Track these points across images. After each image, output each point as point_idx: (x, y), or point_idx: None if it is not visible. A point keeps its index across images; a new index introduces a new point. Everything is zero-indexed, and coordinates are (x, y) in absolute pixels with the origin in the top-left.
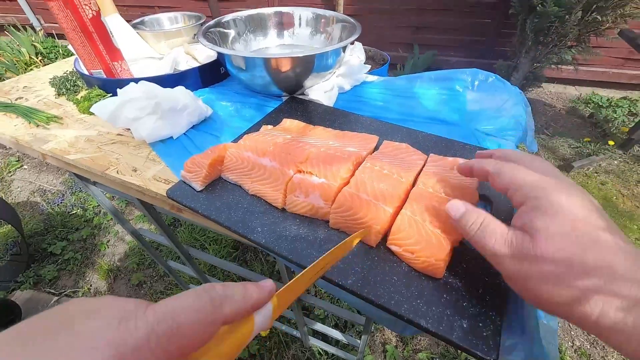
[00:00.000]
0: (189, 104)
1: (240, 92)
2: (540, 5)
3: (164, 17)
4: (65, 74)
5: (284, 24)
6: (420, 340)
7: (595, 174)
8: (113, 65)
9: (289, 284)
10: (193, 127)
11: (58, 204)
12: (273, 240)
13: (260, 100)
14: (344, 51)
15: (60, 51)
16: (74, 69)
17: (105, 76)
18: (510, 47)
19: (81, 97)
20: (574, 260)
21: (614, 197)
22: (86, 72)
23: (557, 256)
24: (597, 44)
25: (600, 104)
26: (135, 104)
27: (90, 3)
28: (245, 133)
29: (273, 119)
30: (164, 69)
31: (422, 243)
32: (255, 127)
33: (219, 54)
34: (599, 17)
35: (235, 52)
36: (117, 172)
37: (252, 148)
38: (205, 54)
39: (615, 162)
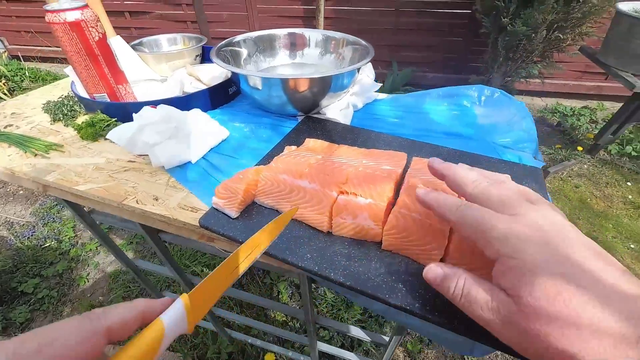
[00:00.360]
0: (207, 126)
1: (251, 112)
2: (510, 25)
3: (163, 39)
4: (60, 99)
5: (294, 44)
6: (427, 354)
7: (569, 178)
8: (117, 88)
9: (203, 282)
10: (211, 150)
11: (28, 237)
12: (326, 267)
13: (275, 120)
14: (358, 71)
15: (27, 74)
16: (70, 93)
17: (109, 100)
18: (481, 63)
19: (82, 122)
20: (569, 318)
21: (588, 199)
22: (87, 96)
23: (551, 317)
24: (559, 59)
25: (565, 113)
26: (154, 129)
27: (97, 26)
28: (268, 155)
29: (294, 139)
30: (172, 91)
31: (481, 262)
32: (278, 148)
33: (234, 73)
34: (560, 35)
35: (255, 73)
36: (137, 201)
37: (287, 170)
38: (209, 74)
39: (585, 166)
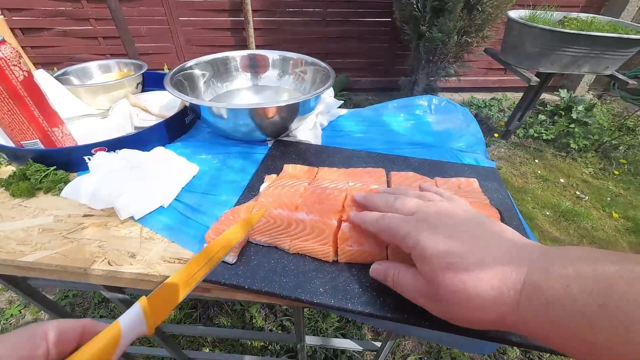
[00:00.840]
0: (175, 165)
1: (215, 141)
2: (428, 32)
3: (93, 66)
4: None
5: (251, 66)
6: (405, 345)
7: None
8: (52, 131)
9: (162, 286)
10: (182, 189)
11: None
12: (342, 298)
13: (244, 148)
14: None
15: None
16: None
17: (43, 147)
18: (407, 65)
19: (10, 176)
20: (468, 287)
21: (509, 178)
22: (11, 145)
23: (455, 290)
24: (469, 59)
25: (479, 105)
26: (117, 177)
27: (19, 63)
28: (249, 187)
29: (270, 166)
30: (122, 128)
31: None
32: (257, 179)
33: (193, 105)
34: (468, 39)
35: (220, 104)
36: (109, 262)
37: (281, 204)
38: (158, 104)
39: (502, 149)
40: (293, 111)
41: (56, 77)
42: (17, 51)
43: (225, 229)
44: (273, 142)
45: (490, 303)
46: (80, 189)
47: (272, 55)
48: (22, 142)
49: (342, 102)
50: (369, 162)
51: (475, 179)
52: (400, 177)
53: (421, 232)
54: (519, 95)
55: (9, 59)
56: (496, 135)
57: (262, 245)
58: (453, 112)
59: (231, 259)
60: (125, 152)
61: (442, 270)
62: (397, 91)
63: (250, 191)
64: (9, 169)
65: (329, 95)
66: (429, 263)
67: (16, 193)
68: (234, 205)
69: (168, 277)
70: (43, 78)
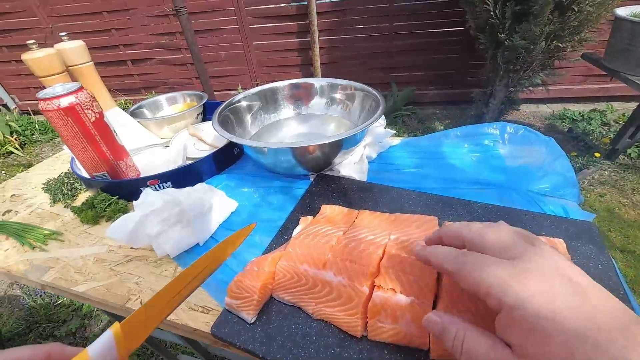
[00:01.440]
0: (214, 202)
1: (259, 174)
2: (507, 40)
3: (162, 99)
4: (60, 176)
5: (297, 96)
6: None
7: (591, 187)
8: (117, 164)
9: (138, 311)
10: (220, 226)
11: (41, 295)
12: None
13: (285, 183)
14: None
15: (37, 127)
16: (70, 170)
17: (110, 178)
18: (481, 76)
19: (82, 204)
20: None
21: (616, 208)
22: (86, 175)
23: None
24: (560, 65)
25: (574, 118)
26: (156, 217)
27: (92, 107)
28: (282, 229)
29: (308, 205)
30: (174, 160)
31: None
32: (292, 220)
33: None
34: (560, 44)
35: (259, 144)
36: (141, 302)
37: (308, 258)
38: (212, 134)
39: (606, 172)
40: (337, 146)
41: (132, 112)
42: (91, 95)
43: (248, 282)
44: (315, 177)
45: None
46: (122, 229)
47: (319, 82)
48: (93, 174)
49: (394, 132)
50: (420, 205)
51: (562, 240)
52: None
53: (533, 288)
54: (632, 105)
55: (83, 104)
56: (597, 154)
57: (286, 304)
58: (534, 144)
59: (250, 317)
60: (165, 192)
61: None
62: (469, 104)
63: (283, 234)
64: (85, 196)
65: (379, 124)
66: (536, 339)
67: (84, 220)
68: (265, 250)
69: (189, 326)
70: (117, 115)
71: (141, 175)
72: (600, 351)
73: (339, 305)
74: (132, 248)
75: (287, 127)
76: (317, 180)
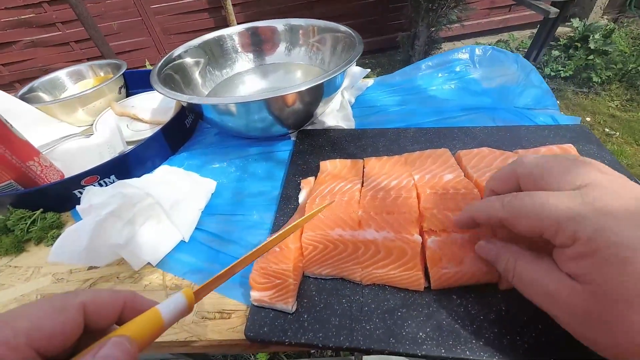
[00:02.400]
0: (189, 187)
1: (226, 144)
2: None
3: (62, 75)
4: None
5: (250, 44)
6: None
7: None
8: (27, 166)
9: (212, 280)
10: (202, 213)
11: None
12: (455, 346)
13: (264, 147)
14: None
15: None
16: None
17: (21, 187)
18: (404, 19)
19: None
20: None
21: None
22: None
23: None
24: (468, 0)
25: None
26: (118, 220)
27: None
28: (283, 198)
29: (302, 166)
30: (110, 147)
31: None
32: (290, 187)
33: (193, 104)
34: None
35: (228, 99)
36: None
37: (338, 221)
38: (149, 108)
39: None
40: (318, 93)
41: (21, 96)
42: None
43: (275, 267)
44: (296, 135)
45: None
46: (72, 245)
47: (276, 25)
48: None
49: (369, 70)
50: (422, 141)
51: (571, 145)
52: (473, 156)
53: (605, 212)
54: (527, 32)
55: None
56: None
57: (325, 279)
58: (504, 62)
59: (290, 306)
60: (120, 185)
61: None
62: (396, 50)
63: (287, 204)
64: None
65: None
66: (622, 270)
67: (0, 251)
68: (272, 227)
69: (212, 339)
70: (3, 101)
71: (67, 176)
72: None
73: (391, 262)
74: (90, 269)
75: (245, 82)
76: (301, 138)
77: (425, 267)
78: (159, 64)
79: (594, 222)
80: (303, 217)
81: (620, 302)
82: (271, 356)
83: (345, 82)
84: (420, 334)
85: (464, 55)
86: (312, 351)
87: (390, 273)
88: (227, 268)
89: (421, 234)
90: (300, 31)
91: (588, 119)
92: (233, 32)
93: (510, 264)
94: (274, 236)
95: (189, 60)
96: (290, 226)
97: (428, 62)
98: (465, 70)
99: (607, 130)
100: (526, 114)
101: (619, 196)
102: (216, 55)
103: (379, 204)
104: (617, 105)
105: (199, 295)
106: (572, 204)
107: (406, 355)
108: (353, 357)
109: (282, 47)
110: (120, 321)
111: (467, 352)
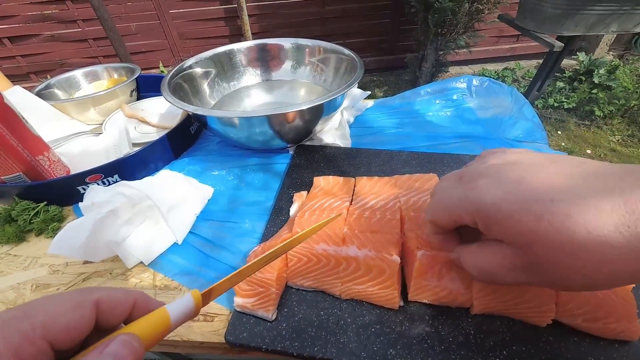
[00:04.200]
0: (187, 192)
1: (228, 152)
2: (437, 2)
3: (79, 75)
4: None
5: (259, 59)
6: None
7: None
8: (36, 160)
9: (221, 282)
10: (197, 218)
11: None
12: None
13: (262, 159)
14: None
15: None
16: None
17: (28, 180)
18: (412, 41)
19: None
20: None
21: None
22: None
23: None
24: (479, 27)
25: (492, 76)
26: (118, 219)
27: None
28: (275, 210)
29: (296, 180)
30: (116, 147)
31: (606, 306)
32: (284, 199)
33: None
34: (479, 6)
35: (231, 113)
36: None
37: (323, 236)
38: (157, 112)
39: None
40: (318, 112)
41: (37, 92)
42: None
43: (260, 275)
44: (295, 149)
45: (624, 243)
46: (71, 240)
47: (284, 43)
48: (2, 177)
49: (369, 92)
50: (413, 165)
51: None
52: None
53: (482, 188)
54: (533, 62)
55: None
56: None
57: (306, 291)
58: (499, 94)
59: (270, 314)
60: (122, 186)
61: (532, 222)
62: (404, 69)
63: (278, 215)
64: None
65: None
66: (508, 221)
67: (2, 239)
68: (262, 236)
69: (194, 340)
70: (20, 96)
71: (73, 172)
72: (550, 208)
73: (370, 280)
74: (85, 263)
75: (250, 96)
76: (299, 152)
77: (402, 286)
78: (171, 72)
79: (472, 197)
80: (317, 224)
81: (528, 247)
82: None
83: (346, 103)
84: (391, 350)
85: (462, 85)
86: None
87: (368, 290)
88: (235, 272)
89: (403, 254)
90: (307, 50)
91: (589, 151)
92: (243, 47)
93: (456, 254)
94: (283, 244)
95: (199, 70)
96: (303, 232)
97: (427, 88)
98: (462, 98)
99: None
100: (516, 145)
101: (495, 168)
102: (225, 68)
103: (364, 223)
104: (618, 140)
105: (207, 298)
106: (457, 189)
107: None
108: None
109: (288, 64)
110: (128, 320)
111: None
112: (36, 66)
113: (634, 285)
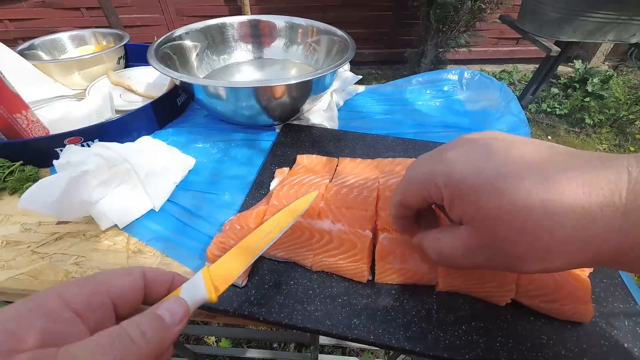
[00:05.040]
0: (167, 158)
1: (213, 126)
2: None
3: (65, 38)
4: None
5: (251, 35)
6: None
7: None
8: (14, 118)
9: (223, 258)
10: (177, 187)
11: None
12: (385, 334)
13: (249, 134)
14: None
15: None
16: None
17: (4, 137)
18: (413, 36)
19: None
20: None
21: None
22: None
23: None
24: (480, 27)
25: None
26: (93, 179)
27: None
28: (256, 184)
29: (280, 157)
30: (100, 112)
31: (564, 289)
32: (265, 173)
33: (184, 83)
34: (482, 5)
35: (218, 83)
36: None
37: None
38: (144, 82)
39: None
40: (306, 90)
41: (20, 52)
42: None
43: (233, 243)
44: (282, 127)
45: (578, 226)
46: (42, 196)
47: (278, 21)
48: None
49: (361, 77)
50: (397, 150)
51: None
52: None
53: (451, 160)
54: (531, 67)
55: None
56: None
57: (279, 261)
58: (489, 88)
59: (240, 280)
60: (100, 147)
61: (494, 198)
62: (403, 64)
63: (259, 189)
64: None
65: (345, 69)
66: (472, 195)
67: None
68: (240, 208)
69: None
70: (1, 54)
71: (52, 133)
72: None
73: (341, 253)
74: (59, 223)
75: (240, 72)
76: (285, 131)
77: (372, 262)
78: (159, 40)
79: (439, 171)
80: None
81: (487, 225)
82: (234, 344)
83: (336, 85)
84: (355, 320)
85: (454, 77)
86: (275, 345)
87: (338, 262)
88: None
89: (374, 231)
90: (300, 30)
91: None
92: (235, 22)
93: (419, 240)
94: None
95: (188, 42)
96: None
97: (419, 77)
98: (453, 90)
99: None
100: None
101: (464, 142)
102: (217, 41)
103: (341, 199)
104: (604, 149)
105: (215, 273)
106: (428, 163)
107: (338, 337)
108: (311, 354)
109: (280, 42)
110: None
111: (393, 341)
112: (24, 32)
113: (592, 270)
